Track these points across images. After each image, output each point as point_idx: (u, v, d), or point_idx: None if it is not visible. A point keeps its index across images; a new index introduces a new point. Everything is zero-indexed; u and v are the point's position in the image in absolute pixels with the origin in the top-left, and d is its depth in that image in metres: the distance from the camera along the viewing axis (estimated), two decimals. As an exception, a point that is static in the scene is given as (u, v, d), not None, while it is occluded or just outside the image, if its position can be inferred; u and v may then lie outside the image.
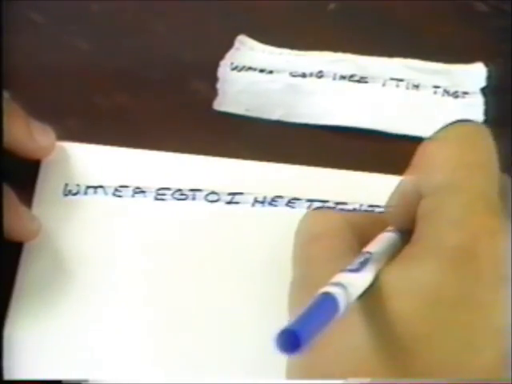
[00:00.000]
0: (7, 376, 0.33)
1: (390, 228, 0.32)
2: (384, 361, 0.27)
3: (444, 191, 0.30)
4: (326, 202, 0.39)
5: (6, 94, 0.36)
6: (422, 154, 0.32)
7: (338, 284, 0.27)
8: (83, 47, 0.44)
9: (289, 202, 0.39)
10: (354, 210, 0.39)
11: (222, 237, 0.38)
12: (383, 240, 0.31)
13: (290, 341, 0.23)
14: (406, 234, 0.31)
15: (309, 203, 0.39)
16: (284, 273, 0.37)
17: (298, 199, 0.39)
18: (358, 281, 0.28)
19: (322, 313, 0.25)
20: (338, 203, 0.39)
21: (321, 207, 0.38)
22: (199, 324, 0.36)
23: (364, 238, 0.32)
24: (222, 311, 0.36)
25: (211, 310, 0.36)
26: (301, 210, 0.38)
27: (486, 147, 0.31)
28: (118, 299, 0.36)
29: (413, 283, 0.28)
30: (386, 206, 0.33)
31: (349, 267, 0.29)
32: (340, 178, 0.40)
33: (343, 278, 0.28)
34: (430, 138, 0.32)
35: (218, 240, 0.38)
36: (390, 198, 0.33)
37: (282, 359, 0.28)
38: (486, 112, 0.43)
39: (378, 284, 0.28)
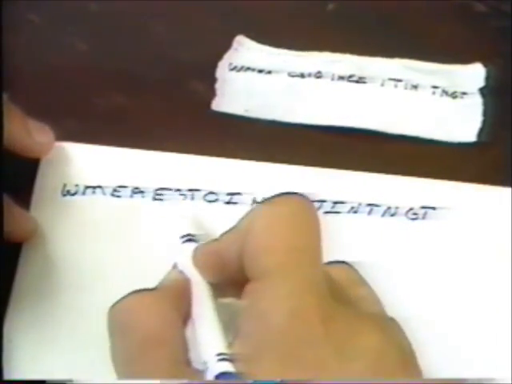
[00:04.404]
0: (7, 376, 0.33)
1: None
2: None
3: (273, 277, 0.28)
4: (324, 201, 0.39)
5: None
6: (250, 225, 0.30)
7: None
8: (82, 48, 0.44)
9: (287, 201, 0.39)
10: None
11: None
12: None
13: None
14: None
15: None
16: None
17: (296, 199, 0.39)
18: None
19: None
20: (336, 202, 0.39)
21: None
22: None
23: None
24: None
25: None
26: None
27: (314, 228, 0.30)
28: (116, 299, 0.36)
29: None
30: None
31: None
32: (338, 178, 0.40)
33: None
34: (260, 208, 0.31)
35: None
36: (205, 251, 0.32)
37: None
38: (485, 112, 0.43)
39: None
